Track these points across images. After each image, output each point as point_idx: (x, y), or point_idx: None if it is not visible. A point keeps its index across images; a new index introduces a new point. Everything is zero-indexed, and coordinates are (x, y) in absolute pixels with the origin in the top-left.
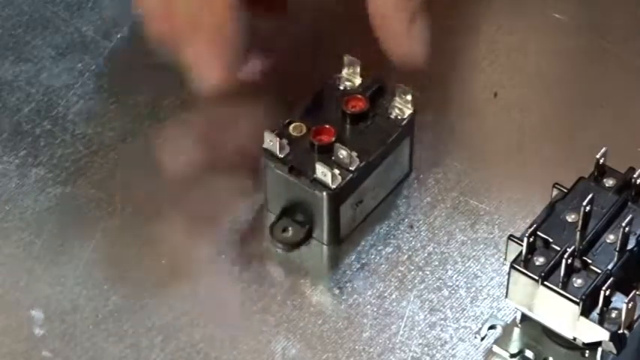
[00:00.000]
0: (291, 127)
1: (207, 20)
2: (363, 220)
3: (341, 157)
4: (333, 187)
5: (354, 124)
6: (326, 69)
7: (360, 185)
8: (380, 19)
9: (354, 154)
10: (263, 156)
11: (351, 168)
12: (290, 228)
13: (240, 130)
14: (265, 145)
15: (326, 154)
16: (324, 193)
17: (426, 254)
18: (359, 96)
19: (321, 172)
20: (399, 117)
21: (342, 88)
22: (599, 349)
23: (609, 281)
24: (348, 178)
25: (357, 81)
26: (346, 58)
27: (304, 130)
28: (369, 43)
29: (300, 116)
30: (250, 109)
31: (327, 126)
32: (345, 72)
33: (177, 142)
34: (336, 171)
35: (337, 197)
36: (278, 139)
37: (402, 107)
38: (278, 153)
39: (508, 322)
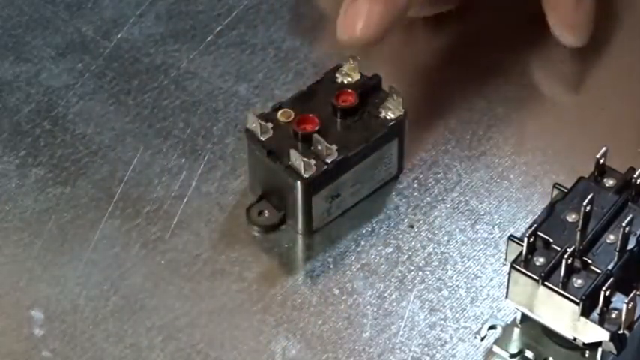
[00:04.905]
0: (279, 113)
1: None
2: (341, 214)
3: (319, 148)
4: (306, 176)
5: (342, 119)
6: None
7: (336, 179)
8: None
9: (334, 147)
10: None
11: (327, 160)
12: (266, 211)
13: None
14: (248, 126)
15: (307, 144)
16: (297, 182)
17: (426, 254)
18: (351, 91)
19: (295, 159)
20: (388, 117)
21: (339, 81)
22: (599, 350)
23: (609, 281)
24: (322, 169)
25: (356, 77)
26: (348, 53)
27: (292, 117)
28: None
29: (291, 103)
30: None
31: (312, 116)
32: (346, 67)
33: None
34: (312, 161)
35: (309, 187)
36: (260, 121)
37: (394, 108)
38: (259, 136)
39: (508, 322)
